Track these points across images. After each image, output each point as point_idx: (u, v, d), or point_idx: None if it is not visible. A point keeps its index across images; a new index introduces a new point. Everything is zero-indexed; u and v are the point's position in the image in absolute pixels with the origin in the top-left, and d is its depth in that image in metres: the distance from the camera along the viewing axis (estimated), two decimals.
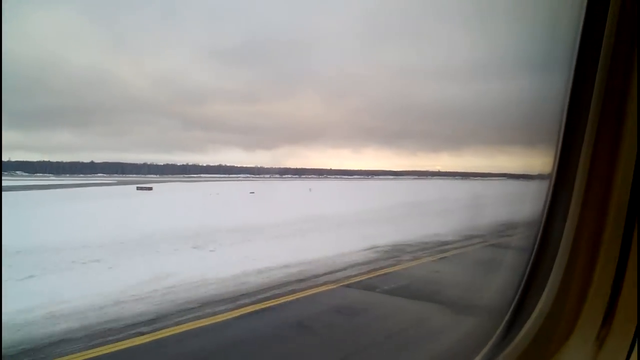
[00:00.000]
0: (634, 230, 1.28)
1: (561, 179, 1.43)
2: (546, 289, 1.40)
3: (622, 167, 1.30)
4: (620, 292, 1.29)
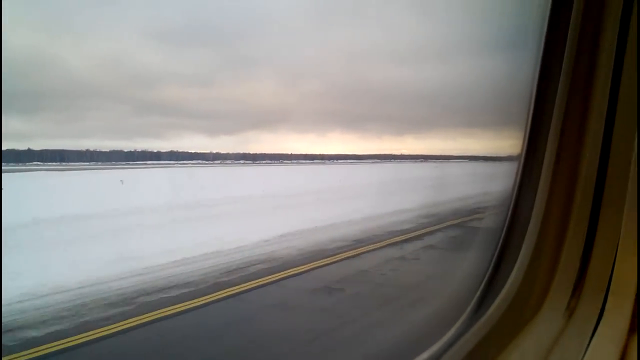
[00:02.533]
0: (601, 204, 1.35)
1: (530, 157, 1.48)
2: (517, 263, 1.46)
3: (590, 145, 1.36)
4: (589, 264, 1.37)
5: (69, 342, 5.57)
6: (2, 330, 5.84)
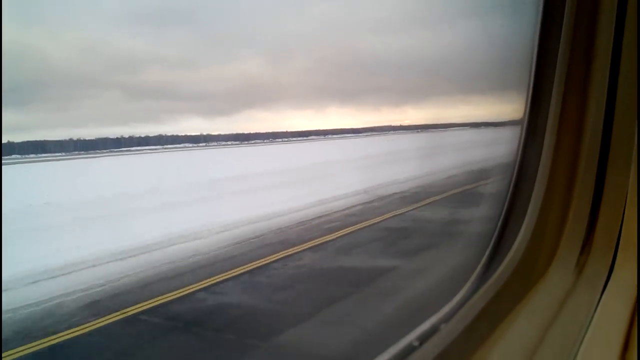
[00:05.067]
0: (607, 161, 1.36)
1: (534, 117, 1.49)
2: (524, 222, 1.48)
3: (594, 102, 1.36)
4: (597, 220, 1.39)
5: None
6: None
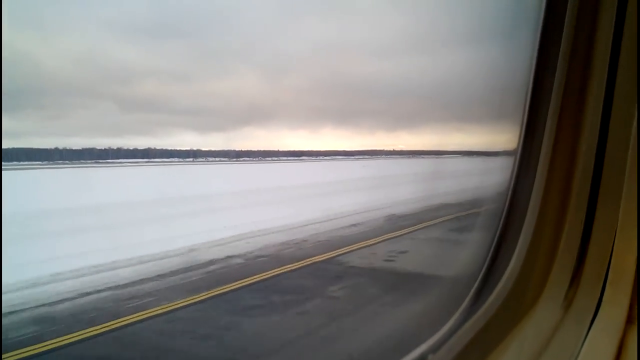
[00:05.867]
0: (598, 196, 1.36)
1: (527, 150, 1.49)
2: (514, 255, 1.47)
3: (587, 137, 1.37)
4: (587, 255, 1.38)
5: None
6: None
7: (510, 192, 1.56)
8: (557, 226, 1.43)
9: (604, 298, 1.35)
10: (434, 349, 1.37)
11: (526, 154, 1.51)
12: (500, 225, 1.57)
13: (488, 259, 1.56)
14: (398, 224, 13.12)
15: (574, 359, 1.23)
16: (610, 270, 1.36)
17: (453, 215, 14.23)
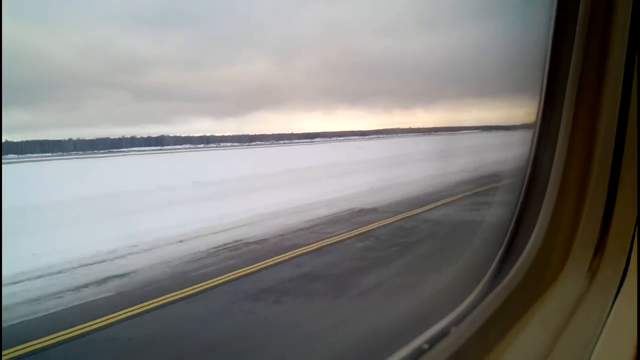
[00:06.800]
0: (620, 164, 1.35)
1: (546, 120, 1.48)
2: (536, 226, 1.47)
3: (608, 104, 1.35)
4: (610, 223, 1.37)
5: None
6: None
7: (530, 165, 1.56)
8: (579, 197, 1.42)
9: (629, 267, 1.34)
10: (457, 321, 1.40)
11: (545, 127, 1.50)
12: (521, 198, 1.57)
13: (509, 232, 1.56)
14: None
15: (599, 330, 1.23)
16: (635, 239, 1.35)
17: (472, 192, 14.13)
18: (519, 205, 1.56)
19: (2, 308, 6.45)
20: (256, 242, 9.26)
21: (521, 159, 1.62)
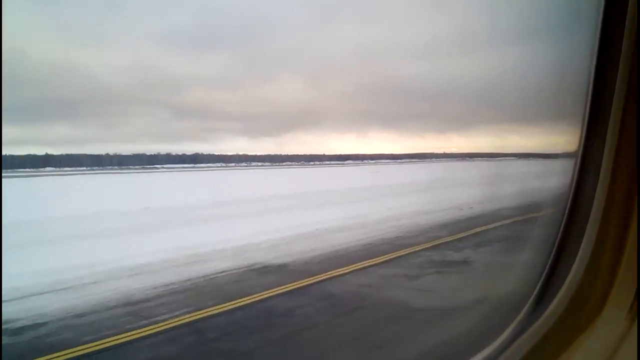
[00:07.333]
0: None
1: (588, 152, 1.42)
2: (577, 260, 1.40)
3: None
4: None
5: None
6: None
7: (571, 196, 1.49)
8: (621, 232, 1.34)
9: None
10: (492, 357, 1.33)
11: (588, 156, 1.43)
12: (561, 231, 1.50)
13: (548, 266, 1.49)
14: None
15: None
16: None
17: (510, 220, 13.68)
18: (558, 238, 1.49)
19: None
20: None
21: (562, 188, 1.56)
